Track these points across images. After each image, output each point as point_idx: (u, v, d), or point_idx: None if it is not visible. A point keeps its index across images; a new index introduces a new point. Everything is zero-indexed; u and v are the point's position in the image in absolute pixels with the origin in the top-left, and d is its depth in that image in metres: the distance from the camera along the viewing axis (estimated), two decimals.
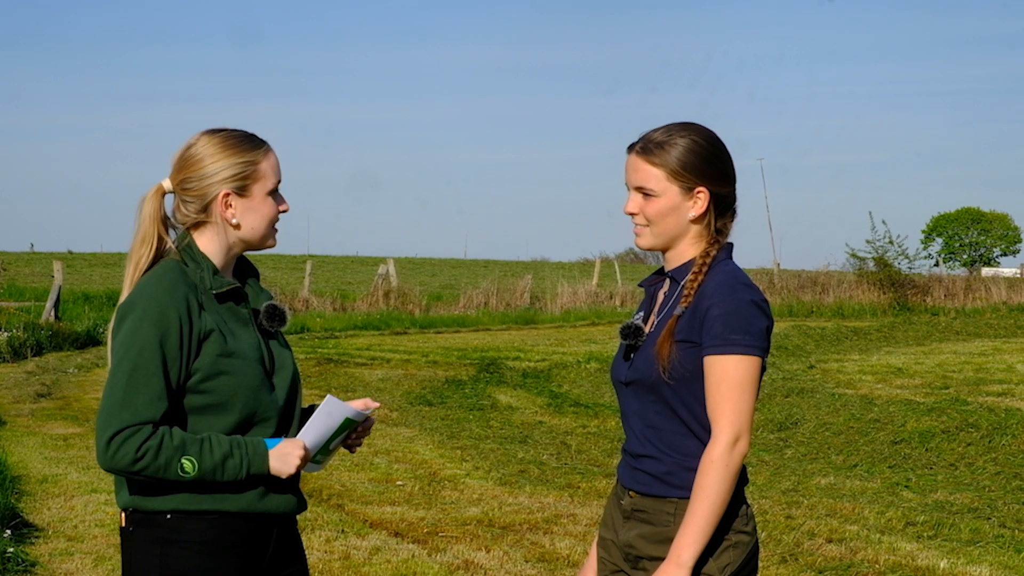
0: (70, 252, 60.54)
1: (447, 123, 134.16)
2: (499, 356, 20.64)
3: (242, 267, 3.42)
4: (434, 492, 9.70)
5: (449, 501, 9.38)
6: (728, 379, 3.13)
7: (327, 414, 3.30)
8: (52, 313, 24.31)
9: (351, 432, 3.41)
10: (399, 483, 10.04)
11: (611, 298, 34.75)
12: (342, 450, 3.50)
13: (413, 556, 7.64)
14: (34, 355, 20.11)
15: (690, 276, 3.26)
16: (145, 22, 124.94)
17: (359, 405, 3.39)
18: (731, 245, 3.33)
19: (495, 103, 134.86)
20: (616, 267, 42.63)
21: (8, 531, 7.68)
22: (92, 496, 9.24)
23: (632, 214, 3.33)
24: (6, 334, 20.48)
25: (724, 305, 3.16)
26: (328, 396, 3.33)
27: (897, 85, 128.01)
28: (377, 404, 3.46)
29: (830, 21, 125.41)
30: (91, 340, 22.45)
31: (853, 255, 35.65)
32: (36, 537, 7.95)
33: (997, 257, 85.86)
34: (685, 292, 3.24)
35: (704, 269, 3.25)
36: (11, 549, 7.23)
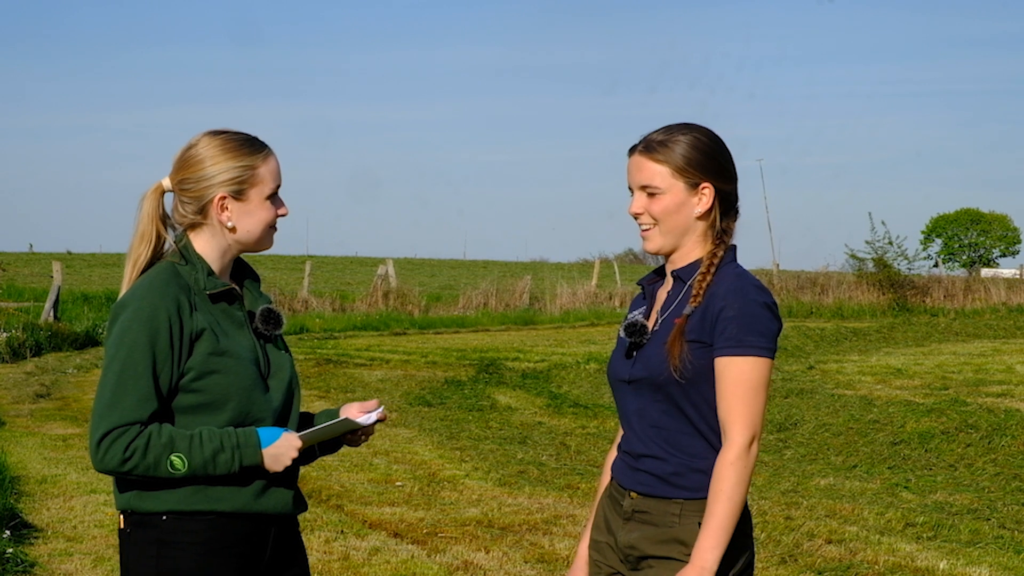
0: (69, 252, 60.55)
1: (446, 123, 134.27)
2: (498, 357, 20.63)
3: (241, 269, 3.42)
4: (433, 493, 9.70)
5: (448, 502, 9.38)
6: (743, 381, 3.13)
7: (337, 428, 3.31)
8: (51, 313, 24.31)
9: (352, 431, 3.41)
10: (398, 484, 10.04)
11: (610, 299, 34.74)
12: (345, 448, 3.52)
13: (412, 557, 7.64)
14: (33, 355, 20.11)
15: (698, 276, 3.25)
16: (145, 22, 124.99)
17: (372, 415, 3.38)
18: (735, 246, 3.33)
19: (494, 103, 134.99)
20: (615, 268, 42.64)
21: (7, 531, 7.67)
22: (91, 496, 9.24)
23: (637, 214, 3.31)
24: (5, 335, 20.48)
25: (738, 307, 3.16)
26: (346, 418, 3.32)
27: (897, 85, 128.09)
28: (384, 417, 3.43)
29: (830, 21, 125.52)
30: (90, 340, 22.46)
31: (852, 256, 35.66)
32: (35, 538, 7.95)
33: (996, 258, 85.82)
34: (694, 291, 3.23)
35: (712, 269, 3.24)
36: (10, 549, 7.23)
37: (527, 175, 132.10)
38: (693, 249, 3.30)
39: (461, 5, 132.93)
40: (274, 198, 3.33)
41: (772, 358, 3.16)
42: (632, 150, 3.33)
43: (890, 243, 34.41)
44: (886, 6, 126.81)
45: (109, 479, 10.61)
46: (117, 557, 7.67)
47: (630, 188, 3.33)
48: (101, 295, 31.82)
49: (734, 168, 3.34)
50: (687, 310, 3.21)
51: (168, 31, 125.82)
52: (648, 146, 3.29)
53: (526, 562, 7.56)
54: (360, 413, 3.38)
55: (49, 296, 25.22)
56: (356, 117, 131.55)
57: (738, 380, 3.13)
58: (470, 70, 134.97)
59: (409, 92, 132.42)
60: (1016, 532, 8.43)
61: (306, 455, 3.37)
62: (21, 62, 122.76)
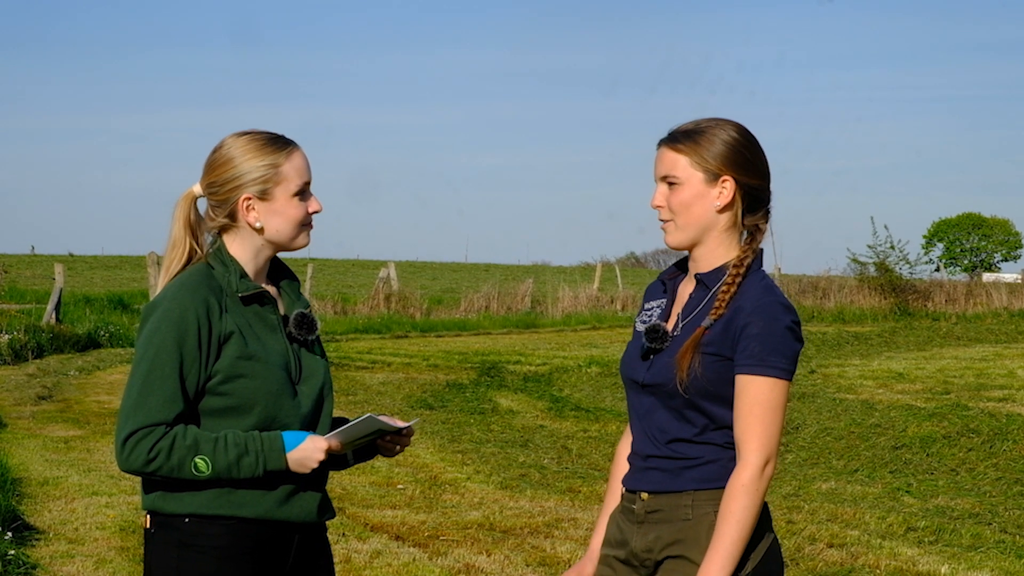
0: (71, 255, 60.57)
1: (447, 126, 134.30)
2: (500, 360, 20.64)
3: (278, 271, 3.40)
4: (435, 496, 9.70)
5: (450, 505, 9.38)
6: (762, 401, 3.07)
7: (363, 427, 3.27)
8: (53, 315, 24.32)
9: (381, 435, 3.36)
10: (400, 487, 10.04)
11: (612, 302, 34.75)
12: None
13: (414, 560, 7.64)
14: (35, 357, 20.12)
15: (723, 286, 3.16)
16: (146, 25, 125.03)
17: (398, 421, 3.35)
18: (762, 251, 3.24)
19: (495, 106, 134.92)
20: (617, 271, 42.67)
21: (9, 533, 7.67)
22: (93, 499, 9.24)
23: (658, 207, 3.24)
24: (7, 336, 20.49)
25: (763, 325, 3.09)
26: (369, 415, 3.28)
27: (898, 90, 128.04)
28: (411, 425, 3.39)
29: (830, 24, 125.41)
30: (92, 343, 22.47)
31: (854, 260, 35.60)
32: (37, 540, 7.95)
33: (998, 262, 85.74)
34: (716, 303, 3.15)
35: (738, 280, 3.15)
36: (12, 551, 7.23)
37: (528, 178, 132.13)
38: (717, 248, 3.21)
39: (461, 8, 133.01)
40: (303, 195, 3.30)
41: (791, 380, 3.11)
42: (660, 143, 3.27)
43: (892, 247, 34.36)
44: (887, 9, 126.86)
45: (112, 482, 10.60)
46: (119, 559, 7.68)
47: (655, 180, 3.27)
48: (103, 297, 31.84)
49: (765, 164, 3.23)
50: (706, 323, 3.13)
51: (169, 34, 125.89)
52: (672, 136, 3.23)
53: (527, 565, 7.56)
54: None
55: (51, 298, 25.23)
56: (357, 119, 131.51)
57: (756, 400, 3.07)
58: (470, 73, 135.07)
59: (409, 95, 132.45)
60: (1018, 536, 8.43)
61: (338, 461, 3.35)
62: (22, 63, 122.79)
